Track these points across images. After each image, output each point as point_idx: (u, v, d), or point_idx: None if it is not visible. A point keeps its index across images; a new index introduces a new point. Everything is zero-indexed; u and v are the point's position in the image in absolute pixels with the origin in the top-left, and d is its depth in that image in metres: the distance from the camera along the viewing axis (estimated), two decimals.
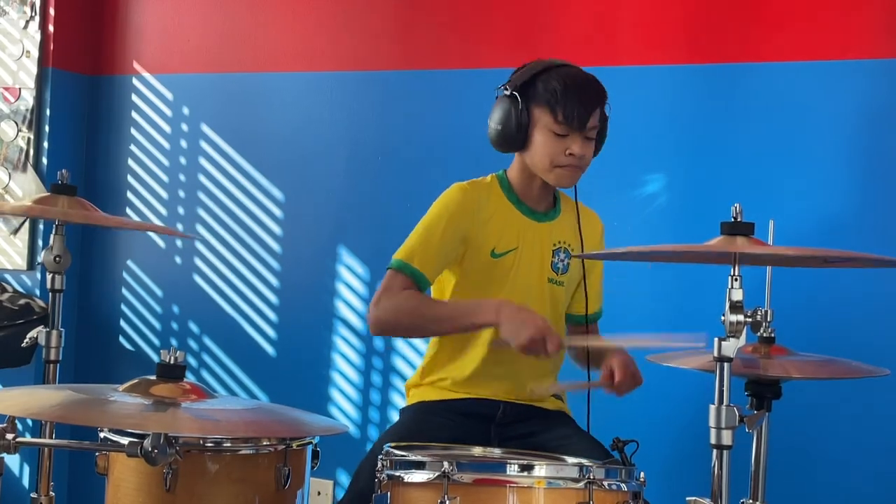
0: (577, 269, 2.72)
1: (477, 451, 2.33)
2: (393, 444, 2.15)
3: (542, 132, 2.57)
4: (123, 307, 4.17)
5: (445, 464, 1.93)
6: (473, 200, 2.63)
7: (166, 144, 4.13)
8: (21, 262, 4.13)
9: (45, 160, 4.12)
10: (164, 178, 4.12)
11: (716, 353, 1.90)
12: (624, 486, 1.99)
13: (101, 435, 2.02)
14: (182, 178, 4.09)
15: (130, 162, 4.18)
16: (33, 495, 2.28)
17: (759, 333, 2.45)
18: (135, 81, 4.19)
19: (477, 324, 2.52)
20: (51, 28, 4.13)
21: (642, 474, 2.02)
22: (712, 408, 1.89)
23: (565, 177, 2.60)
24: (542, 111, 2.56)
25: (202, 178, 4.05)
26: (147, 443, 1.76)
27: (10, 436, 1.91)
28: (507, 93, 2.59)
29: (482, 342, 2.61)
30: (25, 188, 4.11)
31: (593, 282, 2.79)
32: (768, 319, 1.95)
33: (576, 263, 2.70)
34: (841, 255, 2.03)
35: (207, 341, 4.02)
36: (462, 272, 2.65)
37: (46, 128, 4.13)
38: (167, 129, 4.12)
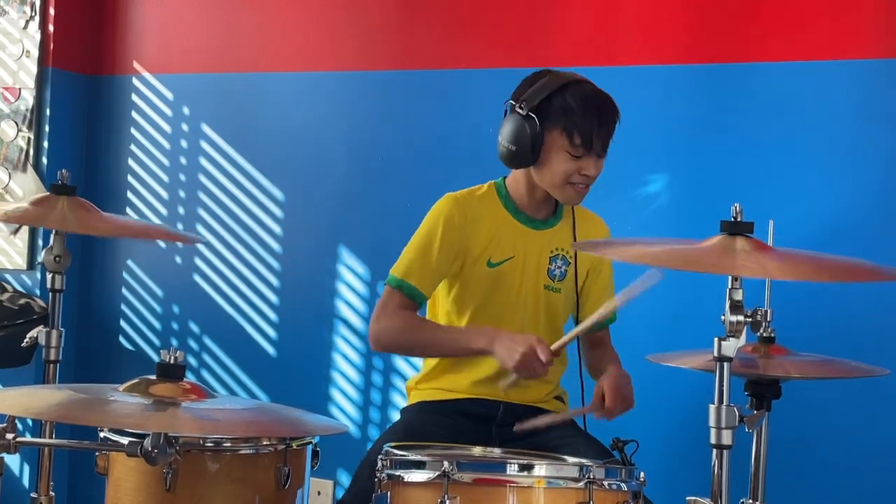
0: (579, 275, 2.71)
1: (477, 450, 2.33)
2: (393, 444, 2.15)
3: (557, 153, 2.54)
4: (123, 307, 4.17)
5: (445, 463, 1.93)
6: (466, 212, 2.62)
7: (166, 144, 4.12)
8: (21, 261, 4.13)
9: (44, 160, 4.12)
10: (165, 177, 4.12)
11: (716, 353, 1.90)
12: (624, 486, 2.00)
13: (101, 435, 2.03)
14: (182, 177, 4.09)
15: (130, 162, 4.18)
16: (33, 495, 2.28)
17: (758, 333, 2.45)
18: (135, 81, 4.19)
19: (472, 349, 2.53)
20: (51, 28, 4.13)
21: (642, 474, 2.03)
22: (712, 407, 1.89)
23: (575, 195, 2.60)
24: (558, 133, 2.52)
25: (202, 178, 4.05)
26: (147, 443, 1.76)
27: (10, 435, 1.91)
28: (522, 112, 2.52)
29: None
30: (25, 188, 4.11)
31: (602, 286, 2.75)
32: (768, 319, 1.95)
33: (573, 269, 2.69)
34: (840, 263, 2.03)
35: (207, 341, 4.02)
36: (461, 283, 2.65)
37: (46, 127, 4.13)
38: (167, 128, 4.12)
